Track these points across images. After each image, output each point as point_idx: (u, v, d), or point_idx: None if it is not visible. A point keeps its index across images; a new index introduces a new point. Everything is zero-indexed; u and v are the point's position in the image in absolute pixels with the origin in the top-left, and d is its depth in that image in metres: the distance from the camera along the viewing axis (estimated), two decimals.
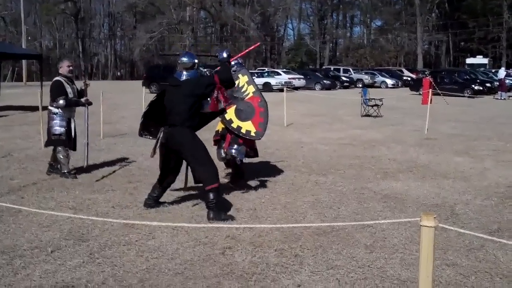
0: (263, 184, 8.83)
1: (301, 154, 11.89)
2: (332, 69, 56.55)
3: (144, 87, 22.54)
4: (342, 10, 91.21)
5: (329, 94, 35.21)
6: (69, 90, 9.25)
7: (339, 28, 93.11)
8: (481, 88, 37.56)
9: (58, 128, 9.20)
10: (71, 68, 9.52)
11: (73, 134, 9.45)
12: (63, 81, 9.26)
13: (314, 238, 6.10)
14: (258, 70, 52.84)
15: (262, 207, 7.47)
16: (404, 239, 6.08)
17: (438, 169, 10.39)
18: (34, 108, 17.88)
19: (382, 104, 21.89)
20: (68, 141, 9.33)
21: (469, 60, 62.07)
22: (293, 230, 6.30)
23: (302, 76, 45.36)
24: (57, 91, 9.16)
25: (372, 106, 21.70)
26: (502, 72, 36.85)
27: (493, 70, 50.56)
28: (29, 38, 75.38)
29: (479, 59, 61.57)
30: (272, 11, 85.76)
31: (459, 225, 6.64)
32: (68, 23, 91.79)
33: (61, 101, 9.09)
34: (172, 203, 7.60)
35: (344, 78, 50.34)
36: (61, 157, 9.25)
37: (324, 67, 66.50)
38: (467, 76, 41.58)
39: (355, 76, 52.41)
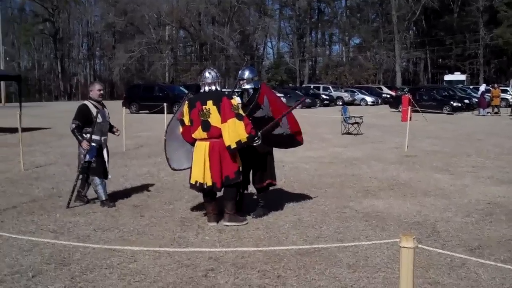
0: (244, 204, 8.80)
1: (283, 173, 11.88)
2: (312, 87, 56.88)
3: (124, 107, 22.42)
4: (321, 29, 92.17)
5: (309, 112, 35.35)
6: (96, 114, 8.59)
7: (318, 46, 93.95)
8: (459, 105, 38.01)
9: (87, 155, 8.51)
10: (101, 92, 8.81)
11: (106, 162, 8.84)
12: (90, 105, 8.60)
13: (297, 258, 6.10)
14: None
15: (244, 228, 7.45)
16: (386, 258, 6.10)
17: (418, 187, 10.46)
18: (13, 130, 17.75)
19: (362, 122, 22.05)
20: (99, 168, 8.67)
21: (447, 77, 62.64)
22: (275, 250, 6.29)
23: (282, 95, 45.35)
24: (78, 114, 8.54)
25: (352, 124, 21.83)
26: (481, 89, 37.34)
27: (471, 87, 51.13)
28: (7, 58, 74.91)
29: (457, 76, 62.23)
30: (251, 30, 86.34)
31: (441, 243, 6.69)
32: (46, 43, 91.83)
33: (73, 125, 8.44)
34: (153, 225, 7.57)
35: (324, 96, 50.59)
36: (95, 184, 8.66)
37: (304, 85, 66.92)
38: (446, 93, 42.01)
39: (335, 94, 52.74)
